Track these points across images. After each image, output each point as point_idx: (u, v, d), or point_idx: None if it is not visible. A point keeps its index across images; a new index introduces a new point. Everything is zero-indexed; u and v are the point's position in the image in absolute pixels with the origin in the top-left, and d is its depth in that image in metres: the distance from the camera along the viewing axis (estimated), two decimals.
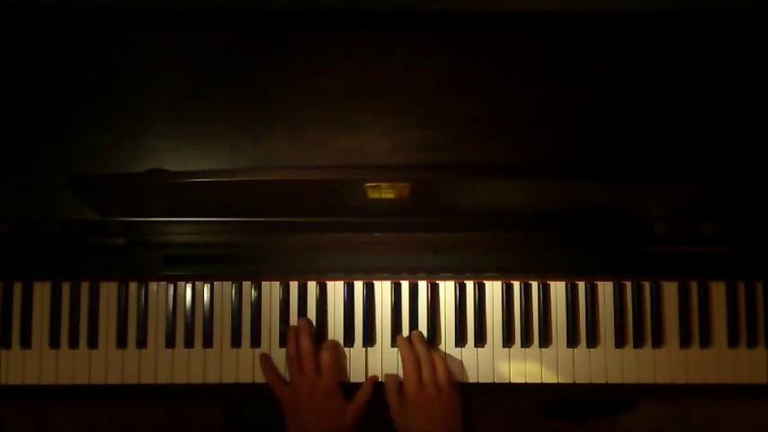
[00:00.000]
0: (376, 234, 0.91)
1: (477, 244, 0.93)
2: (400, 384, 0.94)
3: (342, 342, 0.98)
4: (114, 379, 0.96)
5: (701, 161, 0.83)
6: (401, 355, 0.95)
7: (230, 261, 0.95)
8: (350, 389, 0.96)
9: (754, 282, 0.98)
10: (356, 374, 0.97)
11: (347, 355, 0.97)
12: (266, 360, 0.96)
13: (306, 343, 0.94)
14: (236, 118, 0.83)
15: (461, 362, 0.97)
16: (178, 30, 0.84)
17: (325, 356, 0.93)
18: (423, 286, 0.99)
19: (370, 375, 0.97)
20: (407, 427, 0.91)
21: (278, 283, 0.98)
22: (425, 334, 0.98)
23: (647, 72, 0.84)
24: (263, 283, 0.98)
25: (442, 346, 0.98)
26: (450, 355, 0.97)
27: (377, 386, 0.96)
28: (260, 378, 0.97)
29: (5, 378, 0.96)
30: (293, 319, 0.98)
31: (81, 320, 0.97)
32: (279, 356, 0.97)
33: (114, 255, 0.94)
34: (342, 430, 0.91)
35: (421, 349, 0.94)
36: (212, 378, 0.96)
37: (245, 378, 0.96)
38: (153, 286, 0.98)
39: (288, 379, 0.95)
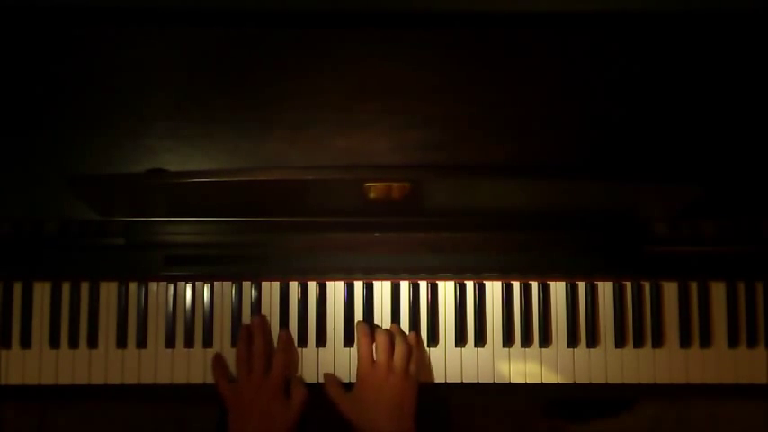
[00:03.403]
0: (376, 234, 0.91)
1: (477, 244, 0.93)
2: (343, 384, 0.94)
3: (342, 342, 0.97)
4: (114, 379, 0.96)
5: (701, 161, 0.83)
6: (356, 335, 0.95)
7: (230, 261, 0.95)
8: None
9: (754, 282, 0.98)
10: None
11: (348, 354, 0.97)
12: (217, 359, 0.95)
13: (259, 342, 0.93)
14: (236, 118, 0.83)
15: (428, 359, 0.97)
16: (178, 30, 0.84)
17: (278, 357, 0.93)
18: (423, 286, 0.98)
19: (297, 375, 0.95)
20: (357, 412, 0.89)
21: (278, 283, 0.98)
22: (425, 334, 0.98)
23: (647, 72, 0.84)
24: (263, 283, 0.98)
25: (441, 346, 0.98)
26: (422, 352, 0.96)
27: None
28: None
29: (5, 378, 0.96)
30: (293, 319, 0.98)
31: (81, 320, 0.97)
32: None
33: (114, 255, 0.94)
34: (284, 431, 0.90)
35: (380, 331, 0.94)
36: (212, 378, 0.96)
37: None
38: (153, 286, 0.98)
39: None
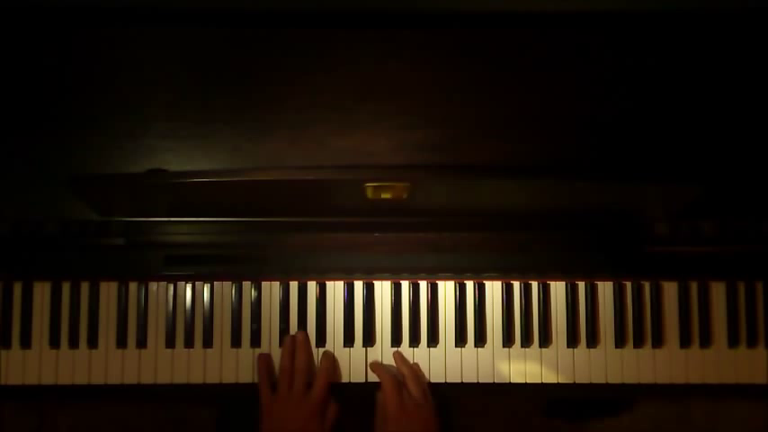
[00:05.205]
0: (376, 234, 0.91)
1: (477, 244, 0.93)
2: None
3: (342, 342, 0.97)
4: (114, 379, 0.96)
5: (701, 161, 0.83)
6: (381, 381, 0.94)
7: (230, 261, 0.95)
8: (349, 388, 0.96)
9: (754, 282, 0.98)
10: (356, 375, 0.97)
11: (348, 354, 0.97)
12: (264, 361, 0.95)
13: (302, 358, 0.94)
14: (236, 118, 0.83)
15: (430, 368, 0.97)
16: (178, 30, 0.84)
17: (320, 379, 0.92)
18: (423, 286, 0.99)
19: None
20: None
21: (278, 283, 0.98)
22: (425, 334, 0.98)
23: (647, 72, 0.84)
24: (263, 283, 0.98)
25: (441, 346, 0.98)
26: (421, 362, 0.97)
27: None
28: None
29: (5, 378, 0.96)
30: (293, 319, 0.98)
31: (81, 320, 0.97)
32: (277, 357, 0.97)
33: (114, 255, 0.94)
34: None
35: (395, 371, 0.95)
36: (212, 378, 0.96)
37: (245, 378, 0.96)
38: (153, 286, 0.98)
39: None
